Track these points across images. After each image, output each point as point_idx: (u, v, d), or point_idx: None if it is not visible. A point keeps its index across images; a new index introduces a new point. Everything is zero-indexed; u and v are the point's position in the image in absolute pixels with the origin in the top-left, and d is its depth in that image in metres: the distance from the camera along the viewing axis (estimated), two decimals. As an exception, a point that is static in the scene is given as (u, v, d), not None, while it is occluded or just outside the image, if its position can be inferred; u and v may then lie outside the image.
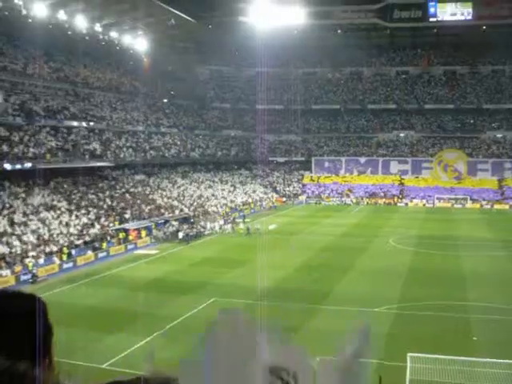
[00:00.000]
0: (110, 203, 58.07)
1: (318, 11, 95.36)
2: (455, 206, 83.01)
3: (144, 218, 57.43)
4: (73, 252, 44.68)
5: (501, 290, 32.93)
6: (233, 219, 64.38)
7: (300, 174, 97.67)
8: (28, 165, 50.99)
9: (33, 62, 64.03)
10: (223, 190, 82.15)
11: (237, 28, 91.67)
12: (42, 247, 42.97)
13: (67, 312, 26.64)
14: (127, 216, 56.51)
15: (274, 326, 1.46)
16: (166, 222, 57.94)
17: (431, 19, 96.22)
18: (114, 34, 75.48)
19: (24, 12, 59.43)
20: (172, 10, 74.04)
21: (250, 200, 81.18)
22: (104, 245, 48.02)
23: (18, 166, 50.11)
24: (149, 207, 61.46)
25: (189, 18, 79.95)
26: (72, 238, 46.60)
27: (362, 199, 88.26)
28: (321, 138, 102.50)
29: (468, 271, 38.67)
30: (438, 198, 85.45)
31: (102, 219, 53.11)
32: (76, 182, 57.97)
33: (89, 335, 25.42)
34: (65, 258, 43.18)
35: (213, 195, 76.64)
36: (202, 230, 58.00)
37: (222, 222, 61.31)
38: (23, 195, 49.79)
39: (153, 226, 55.71)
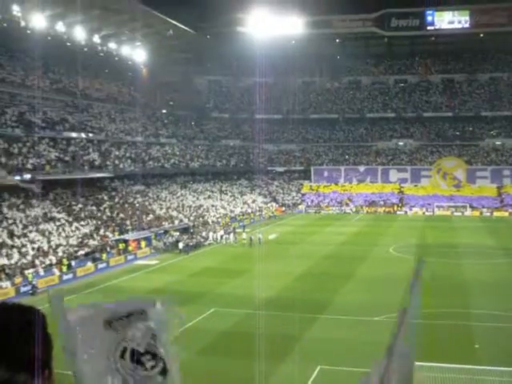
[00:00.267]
0: (109, 214, 58.06)
1: (316, 20, 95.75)
2: (455, 213, 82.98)
3: (144, 229, 57.38)
4: (73, 263, 44.57)
5: (502, 298, 32.85)
6: (233, 229, 64.36)
7: (299, 183, 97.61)
8: (27, 176, 51.02)
9: (31, 73, 64.17)
10: (222, 200, 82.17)
11: (235, 38, 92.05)
12: (41, 259, 42.92)
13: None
14: (127, 227, 56.49)
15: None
16: (166, 232, 57.92)
17: (429, 28, 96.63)
18: (112, 45, 75.81)
19: (23, 24, 59.83)
20: (170, 20, 74.41)
21: (249, 210, 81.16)
22: (104, 256, 47.93)
23: (18, 178, 50.13)
24: (148, 218, 61.47)
25: (187, 29, 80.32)
26: (72, 249, 46.55)
27: (362, 208, 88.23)
28: (320, 147, 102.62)
29: (469, 279, 38.63)
30: (437, 206, 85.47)
31: (102, 230, 53.10)
32: (75, 193, 57.92)
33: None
34: (64, 269, 43.08)
35: (212, 205, 76.65)
36: (202, 240, 57.96)
37: (222, 232, 61.27)
38: (22, 206, 49.79)
39: (152, 237, 55.67)
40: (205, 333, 27.00)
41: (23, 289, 37.91)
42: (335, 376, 21.63)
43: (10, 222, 46.29)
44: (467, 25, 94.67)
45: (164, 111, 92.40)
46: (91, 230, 52.11)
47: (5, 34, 60.34)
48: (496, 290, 34.96)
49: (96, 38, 71.18)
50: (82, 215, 54.52)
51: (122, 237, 52.90)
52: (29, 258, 42.21)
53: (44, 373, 1.56)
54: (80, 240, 49.01)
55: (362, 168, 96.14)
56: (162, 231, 58.02)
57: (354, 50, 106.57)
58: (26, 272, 39.74)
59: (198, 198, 77.73)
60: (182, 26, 78.44)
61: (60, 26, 64.12)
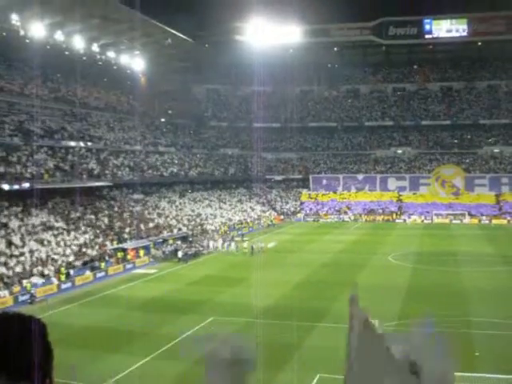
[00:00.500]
0: (107, 223, 57.99)
1: (314, 29, 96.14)
2: (453, 221, 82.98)
3: (142, 237, 57.29)
4: (71, 272, 44.48)
5: (502, 305, 32.82)
6: (232, 237, 64.28)
7: (298, 191, 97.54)
8: (26, 185, 50.96)
9: (30, 82, 64.24)
10: (221, 208, 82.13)
11: (233, 47, 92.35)
12: (40, 268, 42.82)
13: (66, 332, 26.52)
14: (125, 235, 56.42)
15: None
16: (165, 241, 57.85)
17: (427, 36, 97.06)
18: (111, 54, 75.95)
19: (22, 33, 59.96)
20: (169, 29, 74.62)
21: (248, 219, 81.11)
22: (102, 264, 47.82)
23: (16, 187, 50.09)
24: (147, 226, 61.41)
25: (186, 38, 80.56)
26: (70, 258, 46.47)
27: (361, 216, 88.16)
28: (318, 155, 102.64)
29: (468, 286, 38.57)
30: (436, 214, 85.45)
31: (100, 239, 53.02)
32: (74, 201, 57.84)
33: (87, 355, 25.26)
34: (63, 278, 42.99)
35: (211, 214, 76.60)
36: (201, 248, 57.89)
37: (221, 240, 61.16)
38: (21, 215, 49.72)
39: (151, 246, 55.59)
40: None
41: (21, 298, 37.86)
42: (335, 384, 21.56)
43: (9, 231, 46.23)
44: (465, 33, 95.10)
45: (162, 120, 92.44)
46: (90, 238, 52.03)
47: (4, 42, 60.50)
48: (495, 298, 34.90)
49: (95, 47, 71.31)
50: (81, 224, 54.44)
51: (120, 245, 52.79)
52: (27, 266, 42.14)
53: (45, 382, 1.57)
54: (78, 249, 48.94)
55: (360, 176, 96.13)
56: (161, 240, 57.96)
57: (352, 58, 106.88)
58: (25, 281, 39.67)
59: (196, 207, 77.69)
60: (181, 35, 78.66)
61: (59, 35, 64.26)
